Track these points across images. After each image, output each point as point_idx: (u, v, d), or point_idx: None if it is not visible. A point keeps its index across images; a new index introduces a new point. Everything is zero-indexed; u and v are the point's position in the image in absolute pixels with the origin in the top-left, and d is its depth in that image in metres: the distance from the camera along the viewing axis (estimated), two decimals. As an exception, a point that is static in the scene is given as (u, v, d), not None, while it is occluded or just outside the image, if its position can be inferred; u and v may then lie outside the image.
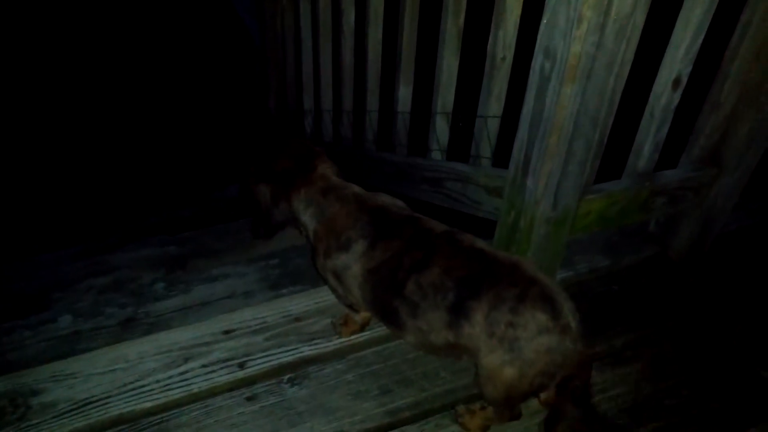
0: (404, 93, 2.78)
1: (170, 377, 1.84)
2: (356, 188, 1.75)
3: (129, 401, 1.77)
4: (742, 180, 2.18)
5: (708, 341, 2.01)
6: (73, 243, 3.48)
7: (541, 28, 1.61)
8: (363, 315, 1.93)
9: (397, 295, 1.55)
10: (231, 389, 1.81)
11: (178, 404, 1.76)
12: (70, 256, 3.21)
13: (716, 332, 2.05)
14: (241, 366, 1.88)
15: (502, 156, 2.10)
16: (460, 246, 1.55)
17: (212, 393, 1.80)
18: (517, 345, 1.38)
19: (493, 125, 2.18)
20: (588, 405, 1.51)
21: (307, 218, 1.74)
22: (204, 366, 1.88)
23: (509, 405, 1.56)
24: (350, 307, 1.88)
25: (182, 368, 1.87)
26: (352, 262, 1.64)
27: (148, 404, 1.76)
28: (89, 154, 5.22)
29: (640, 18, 1.56)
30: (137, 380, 1.83)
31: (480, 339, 1.44)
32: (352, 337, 1.96)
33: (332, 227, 1.68)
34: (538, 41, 1.64)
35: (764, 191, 2.71)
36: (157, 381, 1.83)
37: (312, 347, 1.94)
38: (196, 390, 1.80)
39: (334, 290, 1.81)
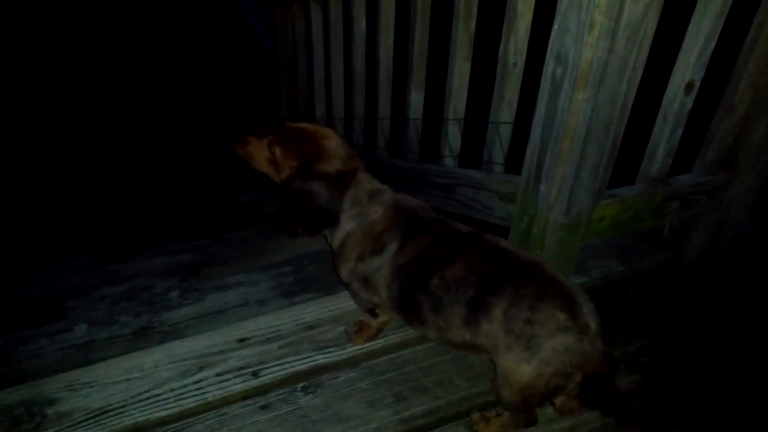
0: (416, 99, 2.78)
1: (185, 386, 1.84)
2: (390, 190, 1.77)
3: (144, 410, 1.77)
4: (757, 183, 2.17)
5: (724, 346, 1.99)
6: (86, 252, 3.50)
7: (553, 33, 1.61)
8: (380, 320, 1.93)
9: (421, 290, 1.58)
10: (245, 398, 1.81)
11: (192, 413, 1.76)
12: (84, 265, 3.22)
13: (732, 337, 2.03)
14: (255, 374, 1.88)
15: (514, 162, 2.09)
16: (486, 244, 1.58)
17: (227, 402, 1.80)
18: (534, 342, 1.38)
19: (506, 131, 2.18)
20: (621, 401, 1.51)
21: (346, 219, 1.72)
22: (218, 375, 1.88)
23: (526, 407, 1.54)
24: (370, 311, 1.89)
25: (197, 377, 1.87)
26: (385, 264, 1.67)
27: (163, 413, 1.76)
28: (103, 163, 5.26)
29: (651, 23, 1.56)
30: (152, 389, 1.84)
31: (497, 336, 1.44)
32: (366, 344, 1.96)
33: (370, 232, 1.70)
34: (549, 47, 1.64)
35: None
36: (172, 390, 1.83)
37: (326, 355, 1.94)
38: (210, 399, 1.80)
39: (355, 295, 1.83)
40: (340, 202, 1.70)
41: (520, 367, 1.41)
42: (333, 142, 1.72)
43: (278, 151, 1.71)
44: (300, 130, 1.73)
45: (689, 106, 1.99)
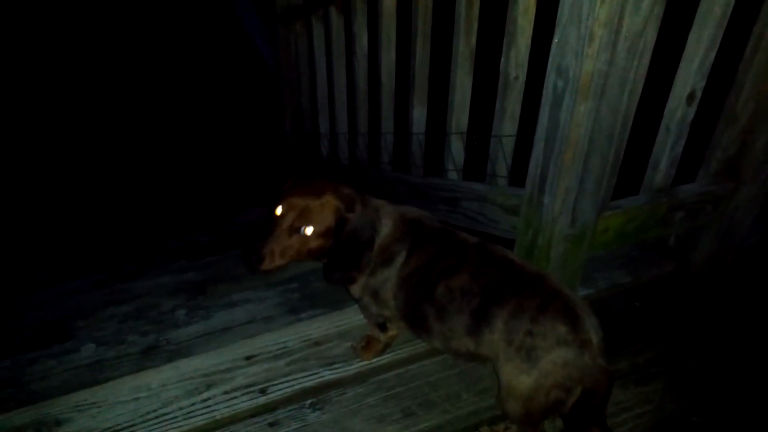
0: (419, 114, 2.79)
1: (193, 404, 1.84)
2: (387, 202, 1.79)
3: (152, 429, 1.76)
4: (761, 192, 2.17)
5: (732, 355, 1.98)
6: (93, 272, 3.51)
7: (553, 46, 1.62)
8: (389, 335, 1.93)
9: (427, 299, 1.60)
10: (253, 415, 1.80)
11: (201, 431, 1.77)
12: (91, 285, 3.23)
13: (740, 346, 2.02)
14: (263, 391, 1.88)
15: (518, 175, 2.10)
16: (492, 255, 1.60)
17: (235, 419, 1.79)
18: (534, 354, 1.39)
19: (508, 144, 2.18)
20: (605, 426, 1.49)
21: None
22: (226, 392, 1.88)
23: (530, 420, 1.53)
24: (380, 326, 1.89)
25: (205, 395, 1.87)
26: (393, 274, 1.69)
27: (172, 432, 1.77)
28: (108, 182, 5.28)
29: (651, 34, 1.57)
30: (160, 408, 1.83)
31: (499, 346, 1.45)
32: (374, 360, 1.96)
33: (383, 246, 1.71)
34: (550, 60, 1.65)
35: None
36: (180, 408, 1.83)
37: (333, 371, 1.94)
38: (218, 417, 1.80)
39: (366, 309, 1.84)
40: (378, 222, 1.72)
41: (519, 378, 1.41)
42: (320, 183, 1.70)
43: (307, 230, 1.62)
44: (299, 199, 1.64)
45: (691, 116, 2.00)
